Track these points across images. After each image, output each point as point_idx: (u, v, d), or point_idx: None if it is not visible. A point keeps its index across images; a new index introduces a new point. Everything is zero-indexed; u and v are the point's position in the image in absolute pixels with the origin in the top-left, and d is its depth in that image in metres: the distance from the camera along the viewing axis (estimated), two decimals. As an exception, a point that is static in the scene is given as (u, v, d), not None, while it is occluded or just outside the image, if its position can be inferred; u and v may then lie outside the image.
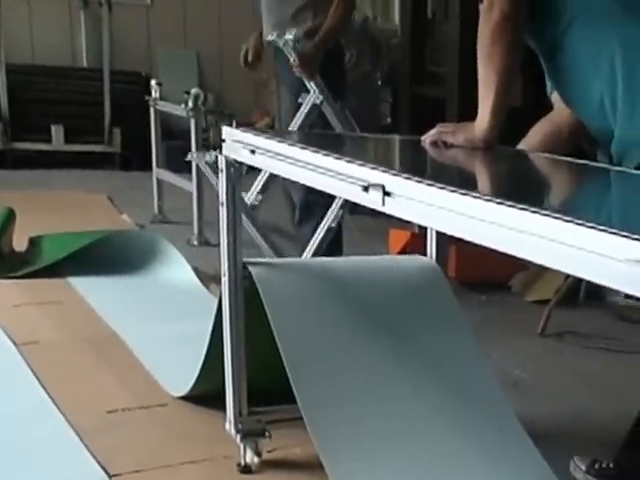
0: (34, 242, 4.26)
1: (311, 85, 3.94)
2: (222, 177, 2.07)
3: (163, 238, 4.19)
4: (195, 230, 4.96)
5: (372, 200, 1.48)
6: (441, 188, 1.34)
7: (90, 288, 3.80)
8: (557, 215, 1.12)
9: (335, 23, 3.97)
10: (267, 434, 2.34)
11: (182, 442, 2.48)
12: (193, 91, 4.94)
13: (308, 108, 3.94)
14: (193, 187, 4.97)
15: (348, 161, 1.59)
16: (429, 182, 1.39)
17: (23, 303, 3.54)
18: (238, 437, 2.32)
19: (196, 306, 3.51)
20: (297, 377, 2.06)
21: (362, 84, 6.94)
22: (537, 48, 2.15)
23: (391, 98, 7.59)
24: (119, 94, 7.27)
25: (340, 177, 1.57)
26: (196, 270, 4.03)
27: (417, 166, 1.75)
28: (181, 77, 7.87)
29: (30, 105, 7.02)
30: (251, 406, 2.33)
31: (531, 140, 2.33)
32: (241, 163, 2.06)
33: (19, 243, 4.28)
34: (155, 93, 5.37)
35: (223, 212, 2.09)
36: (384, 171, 1.48)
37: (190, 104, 4.92)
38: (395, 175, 1.45)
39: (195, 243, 4.90)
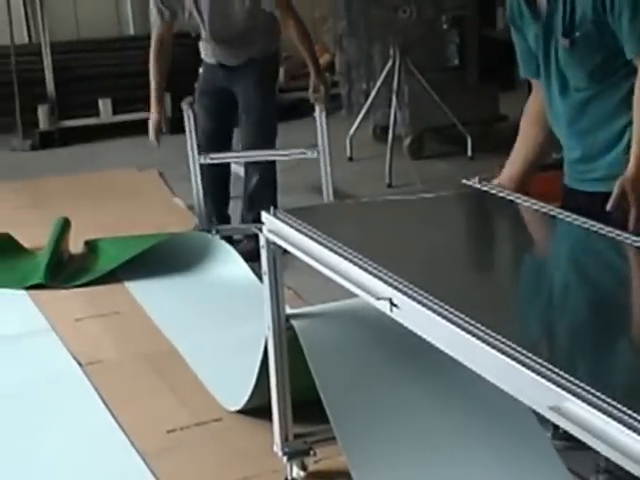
0: (91, 246, 4.88)
1: None
2: (263, 252, 2.59)
3: (218, 239, 4.76)
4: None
5: (383, 306, 2.02)
6: (441, 315, 1.85)
7: (147, 293, 4.41)
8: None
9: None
10: (312, 452, 2.90)
11: (235, 458, 3.07)
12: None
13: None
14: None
15: (364, 269, 2.11)
16: (431, 301, 1.90)
17: (84, 317, 4.19)
18: (285, 458, 2.88)
19: (254, 305, 4.05)
20: (338, 425, 2.59)
21: (426, 30, 7.37)
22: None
23: (458, 39, 7.97)
24: (168, 58, 7.81)
25: (357, 285, 2.11)
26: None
27: (426, 273, 2.20)
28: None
29: (76, 83, 7.59)
30: (297, 419, 2.86)
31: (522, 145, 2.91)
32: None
33: (74, 242, 4.91)
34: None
35: (266, 280, 2.62)
36: (391, 285, 2.01)
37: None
38: (400, 291, 1.97)
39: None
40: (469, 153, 6.85)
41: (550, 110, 2.79)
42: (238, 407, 3.28)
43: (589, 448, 1.50)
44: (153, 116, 5.03)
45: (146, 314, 4.19)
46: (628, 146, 2.55)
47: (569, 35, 2.61)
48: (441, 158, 6.87)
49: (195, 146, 4.84)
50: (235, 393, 3.30)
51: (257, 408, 3.18)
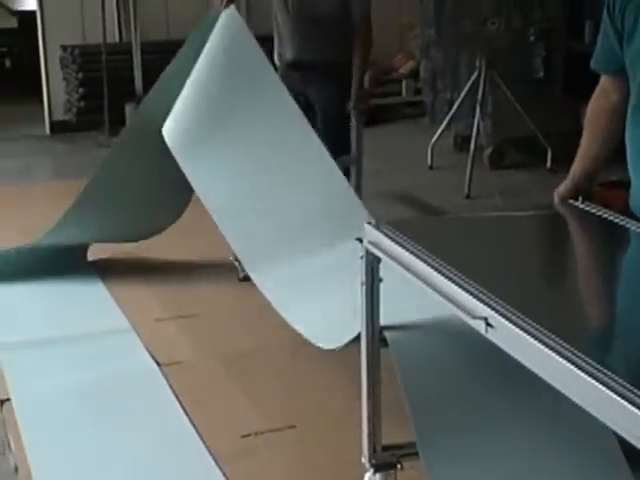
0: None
1: None
2: (362, 263, 2.51)
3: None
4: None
5: (478, 325, 1.94)
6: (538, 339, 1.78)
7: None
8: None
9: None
10: (400, 466, 2.81)
11: (307, 466, 3.03)
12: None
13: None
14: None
15: (461, 287, 2.03)
16: (528, 323, 1.83)
17: (164, 317, 4.19)
18: (371, 470, 2.78)
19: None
20: (422, 440, 2.49)
21: (513, 42, 7.28)
22: None
23: (544, 52, 7.87)
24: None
25: (452, 302, 2.04)
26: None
27: (523, 294, 2.12)
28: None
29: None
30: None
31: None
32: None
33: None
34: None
35: (362, 290, 2.54)
36: (487, 304, 1.93)
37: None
38: (497, 311, 1.90)
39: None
40: (548, 165, 6.76)
41: (634, 137, 2.52)
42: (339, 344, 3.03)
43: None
44: None
45: (225, 317, 4.18)
46: None
47: None
48: (520, 169, 6.80)
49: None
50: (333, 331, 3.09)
51: (331, 418, 3.13)
